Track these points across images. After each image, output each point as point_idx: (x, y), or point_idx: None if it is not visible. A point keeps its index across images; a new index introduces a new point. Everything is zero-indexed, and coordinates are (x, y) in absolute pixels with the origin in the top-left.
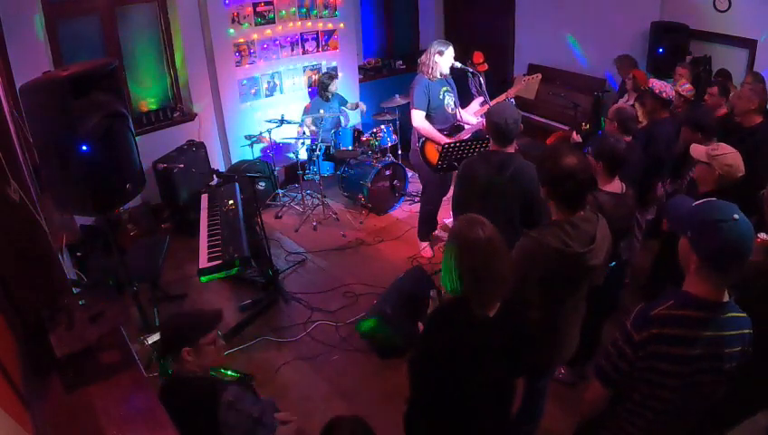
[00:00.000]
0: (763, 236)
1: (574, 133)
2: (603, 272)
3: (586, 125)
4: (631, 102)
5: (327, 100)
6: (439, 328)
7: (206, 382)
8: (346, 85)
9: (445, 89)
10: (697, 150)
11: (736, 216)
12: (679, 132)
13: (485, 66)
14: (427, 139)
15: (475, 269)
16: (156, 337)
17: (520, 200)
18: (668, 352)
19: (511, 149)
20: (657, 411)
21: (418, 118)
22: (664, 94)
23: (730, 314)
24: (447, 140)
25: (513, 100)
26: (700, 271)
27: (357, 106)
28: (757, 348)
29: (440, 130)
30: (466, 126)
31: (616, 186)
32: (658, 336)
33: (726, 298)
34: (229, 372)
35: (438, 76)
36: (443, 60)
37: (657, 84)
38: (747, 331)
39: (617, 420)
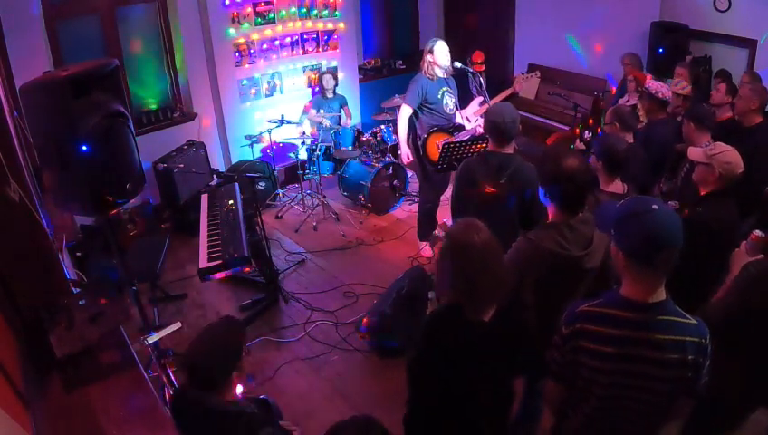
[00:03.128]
0: (757, 233)
1: (577, 141)
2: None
3: (590, 133)
4: (631, 102)
5: (326, 97)
6: (434, 333)
7: (242, 420)
8: (346, 85)
9: (444, 89)
10: (695, 153)
11: (655, 206)
12: (678, 132)
13: (483, 66)
14: (429, 136)
15: (469, 274)
16: (156, 337)
17: (518, 202)
18: (590, 348)
19: (509, 150)
20: (594, 408)
21: (404, 114)
22: (660, 95)
23: (665, 317)
24: (407, 151)
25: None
26: (628, 269)
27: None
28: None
29: (438, 130)
30: (467, 126)
31: (617, 186)
32: (581, 331)
33: (660, 299)
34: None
35: (439, 75)
36: (436, 56)
37: (653, 85)
38: (693, 338)
39: (570, 413)
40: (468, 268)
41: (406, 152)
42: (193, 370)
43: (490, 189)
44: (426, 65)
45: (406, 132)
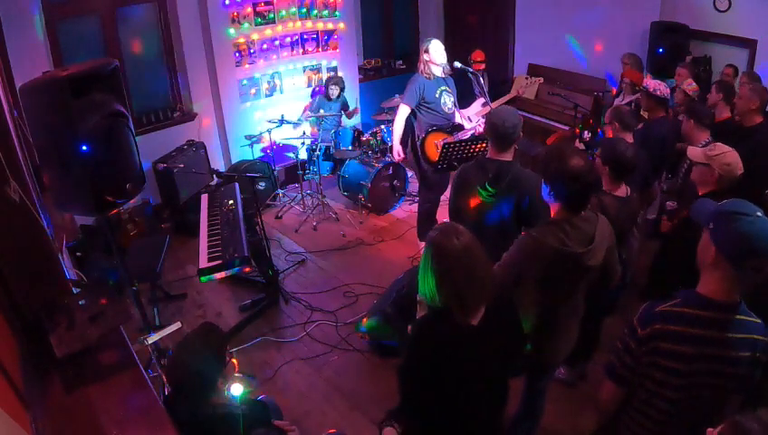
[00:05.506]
0: None
1: (577, 141)
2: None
3: (590, 134)
4: (626, 101)
5: (329, 100)
6: (423, 339)
7: (234, 422)
8: (346, 85)
9: (443, 89)
10: (694, 152)
11: (759, 213)
12: (676, 130)
13: (482, 66)
14: (427, 135)
15: (452, 279)
16: (156, 337)
17: (515, 210)
18: (670, 349)
19: (508, 156)
20: (662, 411)
21: (401, 113)
22: (658, 93)
23: (740, 317)
24: (399, 148)
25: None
26: (716, 265)
27: (355, 112)
28: None
29: (437, 130)
30: (467, 126)
31: (621, 190)
32: (661, 332)
33: (736, 299)
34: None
35: (436, 74)
36: (432, 55)
37: (651, 83)
38: (760, 337)
39: (629, 419)
40: (453, 274)
41: (397, 150)
42: (177, 387)
43: (485, 199)
44: (422, 65)
45: (401, 131)
